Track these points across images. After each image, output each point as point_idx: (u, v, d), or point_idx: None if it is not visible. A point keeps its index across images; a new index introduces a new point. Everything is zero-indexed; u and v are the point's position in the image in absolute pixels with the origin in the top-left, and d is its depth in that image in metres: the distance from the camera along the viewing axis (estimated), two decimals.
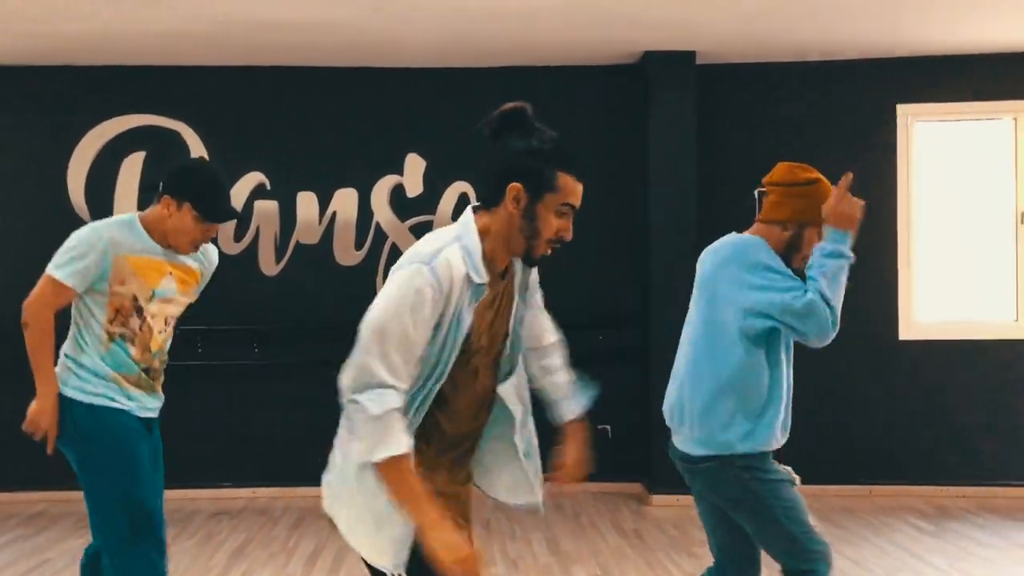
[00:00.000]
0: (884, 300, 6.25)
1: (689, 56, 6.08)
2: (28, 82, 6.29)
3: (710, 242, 6.90)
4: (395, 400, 1.94)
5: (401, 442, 1.92)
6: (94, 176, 6.30)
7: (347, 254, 6.39)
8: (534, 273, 2.28)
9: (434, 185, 6.41)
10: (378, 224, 6.39)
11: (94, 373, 2.98)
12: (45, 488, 6.00)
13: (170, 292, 3.05)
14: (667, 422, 2.94)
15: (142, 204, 6.30)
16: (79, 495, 3.07)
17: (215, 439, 6.27)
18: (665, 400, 2.96)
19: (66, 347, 3.05)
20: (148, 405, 3.09)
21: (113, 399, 2.99)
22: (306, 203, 6.38)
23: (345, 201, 6.39)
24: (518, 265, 2.19)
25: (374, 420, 1.92)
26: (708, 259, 2.93)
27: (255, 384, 6.36)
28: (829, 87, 6.33)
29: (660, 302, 6.07)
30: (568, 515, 5.71)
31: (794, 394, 5.91)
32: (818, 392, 6.27)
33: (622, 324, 6.39)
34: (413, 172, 6.42)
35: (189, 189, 2.96)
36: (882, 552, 4.88)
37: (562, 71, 6.41)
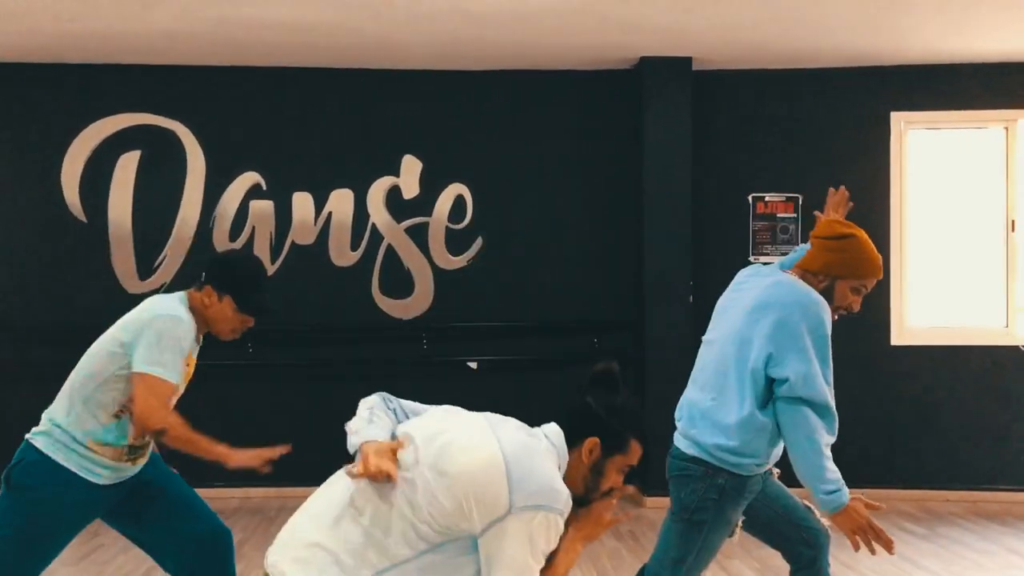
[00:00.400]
0: (876, 305, 6.30)
1: (685, 62, 6.12)
2: (23, 79, 6.26)
3: (704, 247, 6.88)
4: None
5: None
6: (88, 175, 6.28)
7: (342, 255, 6.39)
8: None
9: (430, 187, 6.41)
10: (374, 225, 6.39)
11: (77, 441, 2.87)
12: None
13: (183, 382, 3.03)
14: (676, 420, 2.97)
15: (137, 202, 6.30)
16: None
17: (210, 436, 6.24)
18: (682, 399, 3.00)
19: (56, 413, 2.91)
20: (125, 474, 2.98)
21: (84, 467, 2.88)
22: (302, 204, 6.38)
23: (341, 202, 6.39)
24: None
25: None
26: (766, 290, 2.88)
27: (249, 384, 6.35)
28: (824, 94, 6.39)
29: (655, 307, 6.11)
30: None
31: None
32: None
33: (617, 329, 6.41)
34: (409, 174, 6.42)
35: (230, 282, 2.97)
36: (874, 559, 4.91)
37: (559, 75, 6.44)
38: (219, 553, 3.09)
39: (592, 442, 2.14)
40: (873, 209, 6.32)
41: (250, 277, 3.03)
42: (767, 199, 6.35)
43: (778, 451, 2.95)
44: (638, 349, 6.26)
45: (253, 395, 6.33)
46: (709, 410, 2.86)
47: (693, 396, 2.96)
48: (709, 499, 2.83)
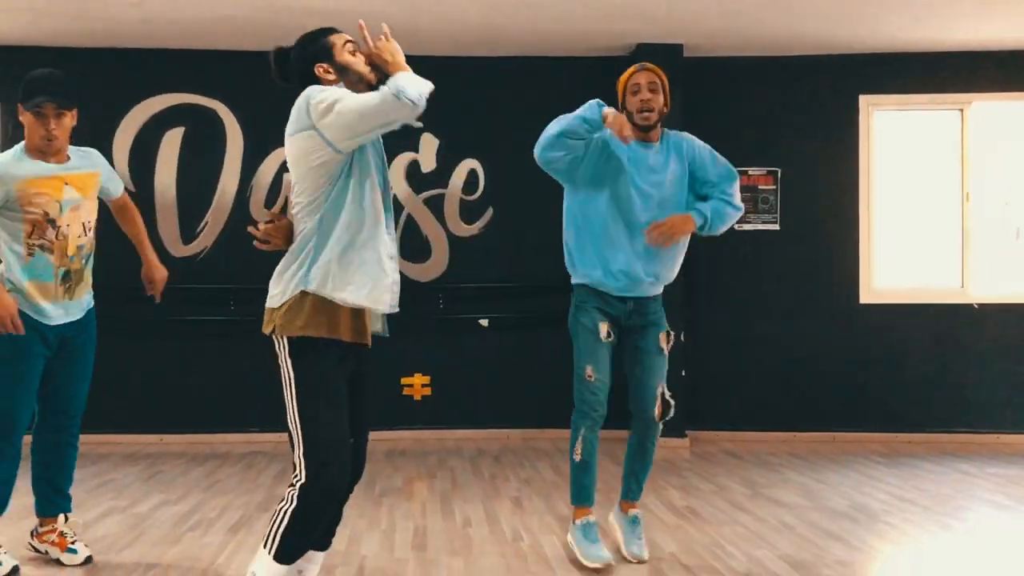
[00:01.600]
0: (846, 268, 7.03)
1: (677, 49, 6.83)
2: (82, 62, 6.87)
3: None
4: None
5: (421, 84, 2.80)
6: (138, 148, 6.92)
7: None
8: None
9: (446, 162, 7.09)
10: (395, 196, 7.04)
11: (12, 286, 3.48)
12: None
13: (75, 200, 3.58)
14: None
15: (181, 174, 6.95)
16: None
17: (245, 388, 6.88)
18: None
19: None
20: (68, 312, 3.58)
21: (24, 312, 3.46)
22: None
23: None
24: None
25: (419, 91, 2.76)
26: None
27: None
28: (800, 79, 7.11)
29: None
30: (566, 452, 6.40)
31: (767, 349, 6.89)
32: (788, 349, 7.03)
33: None
34: (428, 149, 7.10)
35: (19, 94, 3.58)
36: (843, 476, 5.62)
37: (563, 61, 7.13)
38: (57, 438, 3.71)
39: (319, 67, 2.88)
40: (843, 182, 7.06)
41: (27, 80, 3.57)
42: (750, 172, 7.07)
43: (623, 276, 3.66)
44: None
45: None
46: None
47: None
48: (571, 311, 3.77)
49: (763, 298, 7.07)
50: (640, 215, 3.66)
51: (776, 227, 7.07)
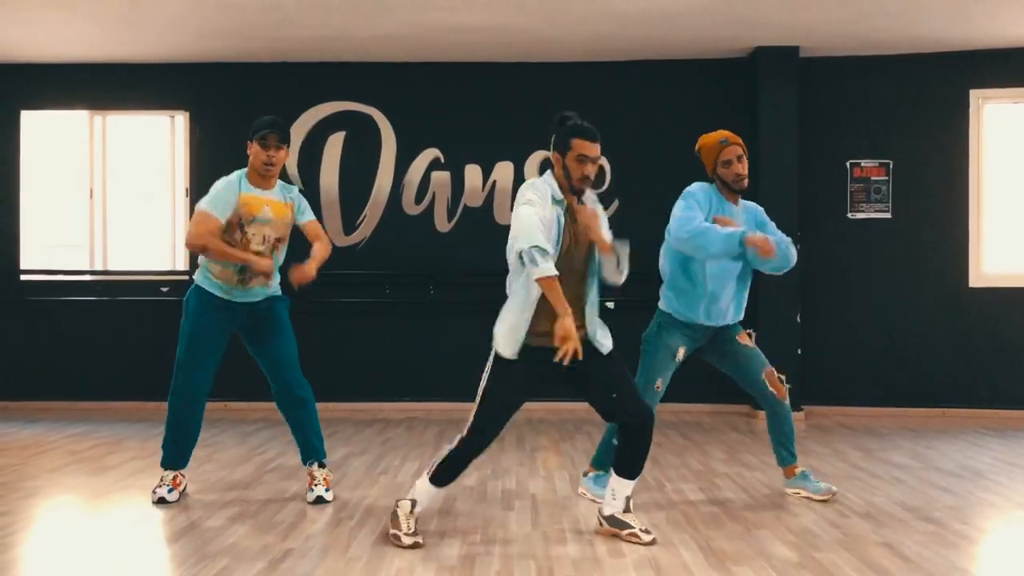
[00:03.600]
0: (957, 254, 7.43)
1: (793, 51, 7.35)
2: (256, 75, 7.86)
3: (810, 205, 8.17)
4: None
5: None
6: (305, 149, 7.84)
7: (505, 215, 7.80)
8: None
9: None
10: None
11: (208, 271, 4.41)
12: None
13: (265, 219, 4.39)
14: None
15: (343, 173, 7.84)
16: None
17: (399, 364, 7.74)
18: None
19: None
20: (249, 296, 4.41)
21: (210, 288, 4.40)
22: (472, 173, 7.82)
23: (504, 172, 7.81)
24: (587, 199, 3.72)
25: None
26: None
27: (429, 319, 7.82)
28: (911, 75, 7.53)
29: None
30: (690, 422, 7.04)
31: (879, 330, 7.44)
32: (899, 330, 7.48)
33: None
34: None
35: (249, 133, 4.41)
36: (951, 443, 6.09)
37: (685, 64, 7.73)
38: (296, 405, 4.56)
39: (553, 156, 3.64)
40: (953, 172, 7.45)
41: (256, 122, 4.39)
42: (863, 164, 7.54)
43: (716, 311, 4.40)
44: (753, 294, 7.49)
45: (433, 327, 7.79)
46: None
47: None
48: (652, 328, 4.47)
49: (875, 282, 7.53)
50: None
51: (888, 215, 7.51)
